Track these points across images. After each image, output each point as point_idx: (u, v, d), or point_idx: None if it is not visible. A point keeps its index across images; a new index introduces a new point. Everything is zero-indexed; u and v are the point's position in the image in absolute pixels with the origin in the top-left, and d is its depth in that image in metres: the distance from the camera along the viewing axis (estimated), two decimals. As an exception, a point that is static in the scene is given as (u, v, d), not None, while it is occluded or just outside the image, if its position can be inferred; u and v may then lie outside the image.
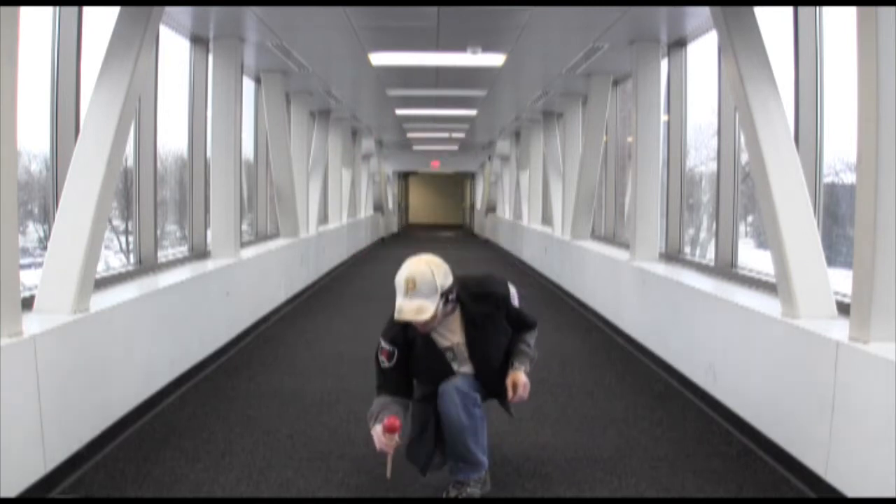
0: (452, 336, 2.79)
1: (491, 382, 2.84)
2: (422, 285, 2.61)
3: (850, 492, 2.74)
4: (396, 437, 2.65)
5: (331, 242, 10.86)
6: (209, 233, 5.91)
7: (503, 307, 2.84)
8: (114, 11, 3.66)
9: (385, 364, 2.77)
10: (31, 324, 2.98)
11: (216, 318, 5.28)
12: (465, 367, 2.83)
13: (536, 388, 4.46)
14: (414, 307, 2.61)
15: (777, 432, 3.33)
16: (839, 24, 3.75)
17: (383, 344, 2.78)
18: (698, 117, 5.99)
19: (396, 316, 2.64)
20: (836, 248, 4.15)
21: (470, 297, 2.78)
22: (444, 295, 2.66)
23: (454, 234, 23.86)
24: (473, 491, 2.85)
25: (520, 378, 2.82)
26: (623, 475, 3.15)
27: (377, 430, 2.66)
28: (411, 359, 2.78)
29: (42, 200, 4.32)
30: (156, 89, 4.97)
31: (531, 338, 2.96)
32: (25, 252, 4.10)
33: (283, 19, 5.38)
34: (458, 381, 2.79)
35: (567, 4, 4.80)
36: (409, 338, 2.76)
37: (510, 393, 2.81)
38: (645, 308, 5.50)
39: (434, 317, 2.64)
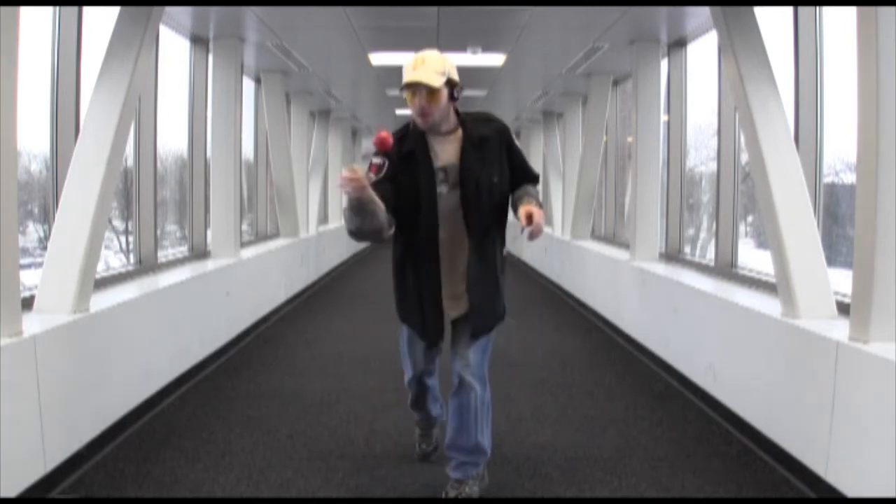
0: (447, 157, 2.64)
1: (475, 219, 2.64)
2: (430, 62, 2.54)
3: (850, 492, 2.74)
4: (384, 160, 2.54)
5: (331, 242, 10.86)
6: (209, 233, 5.91)
7: (504, 139, 2.71)
8: (114, 11, 3.66)
9: (371, 179, 2.51)
10: (31, 324, 2.98)
11: (216, 318, 5.28)
12: (451, 195, 2.64)
13: (536, 388, 4.49)
14: (423, 72, 2.51)
15: (777, 432, 3.33)
16: (839, 24, 3.75)
17: (374, 159, 2.58)
18: (698, 117, 5.99)
19: (406, 78, 2.52)
20: (836, 248, 4.15)
21: (472, 118, 2.69)
22: (451, 85, 2.56)
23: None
24: (472, 490, 2.84)
25: (534, 209, 2.57)
26: (623, 475, 3.15)
27: (350, 171, 2.36)
28: (399, 179, 2.58)
29: (42, 200, 4.32)
30: (156, 89, 4.97)
31: (532, 188, 2.79)
32: (25, 252, 4.10)
33: (283, 19, 5.38)
34: (462, 359, 2.73)
35: (567, 4, 4.80)
36: (403, 152, 2.61)
37: (523, 222, 2.56)
38: (645, 308, 5.50)
39: (439, 97, 2.53)
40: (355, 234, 2.51)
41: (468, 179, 2.61)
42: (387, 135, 2.45)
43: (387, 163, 2.55)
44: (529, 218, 2.54)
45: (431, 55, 2.58)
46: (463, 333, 2.76)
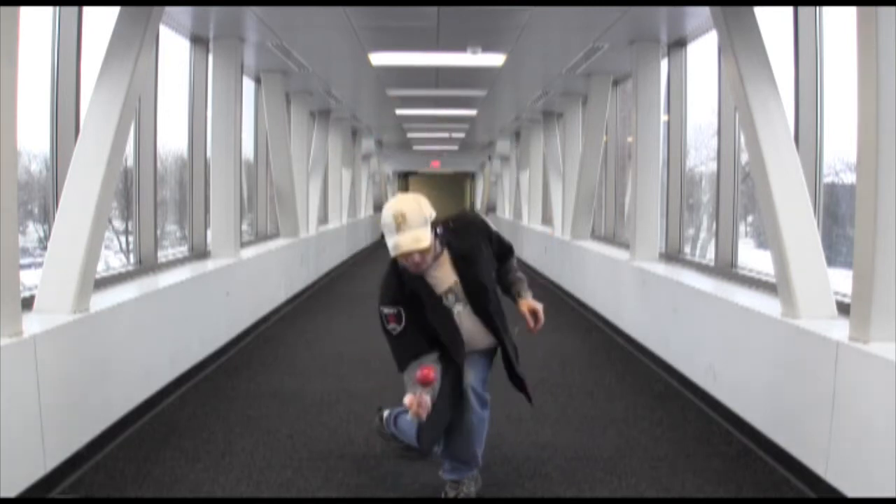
0: (446, 278, 2.72)
1: (487, 315, 2.76)
2: (411, 217, 2.56)
3: (850, 492, 2.74)
4: (432, 388, 2.60)
5: (331, 242, 10.86)
6: (209, 233, 5.91)
7: (486, 235, 2.84)
8: (114, 11, 3.66)
9: (396, 329, 2.67)
10: (31, 324, 2.98)
11: (216, 318, 5.28)
12: (466, 308, 2.75)
13: (536, 388, 4.47)
14: (410, 238, 2.55)
15: (777, 432, 3.33)
16: (839, 24, 3.75)
17: (385, 310, 2.68)
18: (698, 117, 5.99)
19: (393, 252, 2.58)
20: (836, 248, 4.15)
21: (452, 234, 2.75)
22: (433, 226, 2.63)
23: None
24: (470, 490, 2.88)
25: (534, 303, 2.83)
26: (623, 475, 3.15)
27: (412, 395, 2.56)
28: (415, 315, 2.69)
29: (42, 200, 4.32)
30: (156, 89, 4.97)
31: (513, 262, 2.98)
32: (25, 252, 4.10)
33: (283, 19, 5.38)
34: (471, 377, 2.79)
35: (567, 4, 4.80)
36: (406, 294, 2.68)
37: (530, 321, 2.81)
38: (645, 308, 5.50)
39: (431, 247, 2.59)
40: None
41: (471, 290, 2.74)
42: (429, 370, 2.59)
43: (401, 310, 2.67)
44: (534, 314, 2.82)
45: (408, 207, 2.58)
46: (480, 355, 2.86)
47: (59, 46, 3.87)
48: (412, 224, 2.55)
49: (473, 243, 2.77)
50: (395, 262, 2.67)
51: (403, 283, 2.67)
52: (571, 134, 9.03)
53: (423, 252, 2.58)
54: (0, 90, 2.57)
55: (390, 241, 2.58)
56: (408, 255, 2.58)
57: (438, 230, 2.69)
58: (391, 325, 2.67)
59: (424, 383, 2.57)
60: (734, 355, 3.88)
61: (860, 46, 2.71)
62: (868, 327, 2.72)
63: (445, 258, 2.72)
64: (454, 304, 2.73)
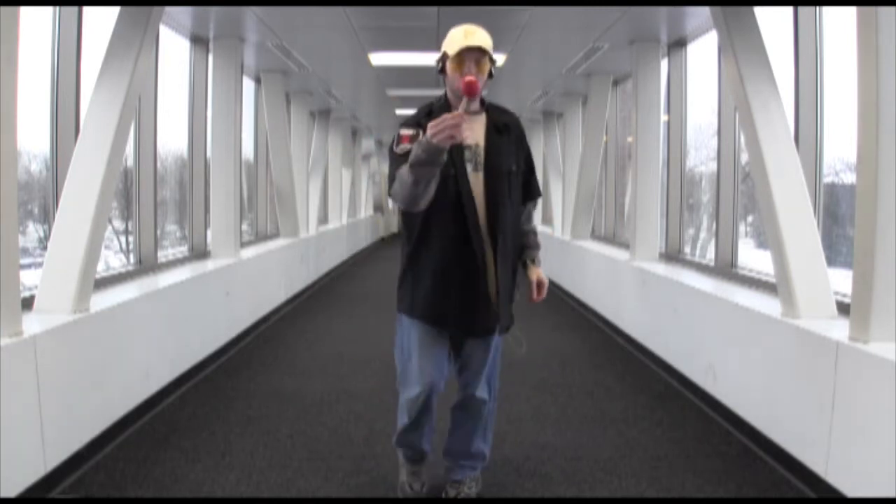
0: (474, 136, 2.52)
1: (499, 208, 2.52)
2: (481, 33, 2.47)
3: (850, 492, 2.74)
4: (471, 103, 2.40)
5: (331, 242, 10.86)
6: (209, 233, 5.91)
7: (520, 132, 2.67)
8: (114, 11, 3.66)
9: (406, 149, 2.37)
10: (31, 324, 2.98)
11: (216, 318, 5.28)
12: (475, 177, 2.52)
13: (536, 388, 4.49)
14: (479, 39, 2.43)
15: (777, 432, 3.33)
16: (839, 24, 3.75)
17: (403, 131, 2.44)
18: (698, 117, 5.99)
19: (464, 43, 2.41)
20: (836, 248, 4.15)
21: (494, 107, 2.64)
22: (491, 60, 2.48)
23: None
24: (471, 490, 2.86)
25: (544, 277, 2.69)
26: (623, 475, 3.15)
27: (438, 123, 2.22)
28: None
29: (42, 200, 4.32)
30: (156, 89, 4.97)
31: (533, 219, 2.80)
32: (25, 252, 4.10)
33: (283, 19, 5.38)
34: (469, 375, 2.69)
35: (567, 4, 4.80)
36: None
37: (534, 291, 2.66)
38: (645, 308, 5.50)
39: (486, 71, 2.46)
40: (409, 200, 2.37)
41: (491, 162, 2.53)
42: (474, 79, 2.34)
43: (420, 133, 2.33)
44: (539, 287, 2.67)
45: (479, 28, 2.49)
46: (482, 343, 2.67)
47: (59, 46, 3.87)
48: (481, 37, 2.45)
49: (510, 123, 2.62)
50: (430, 105, 2.55)
51: (432, 117, 2.35)
52: (571, 134, 9.02)
53: (481, 64, 2.43)
54: (0, 90, 2.57)
55: (453, 45, 2.44)
56: (470, 53, 2.41)
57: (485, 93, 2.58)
58: (402, 146, 2.40)
59: (471, 92, 2.34)
60: (734, 355, 3.88)
61: (860, 46, 2.71)
62: (868, 327, 2.72)
63: (481, 120, 2.56)
64: (468, 162, 2.53)
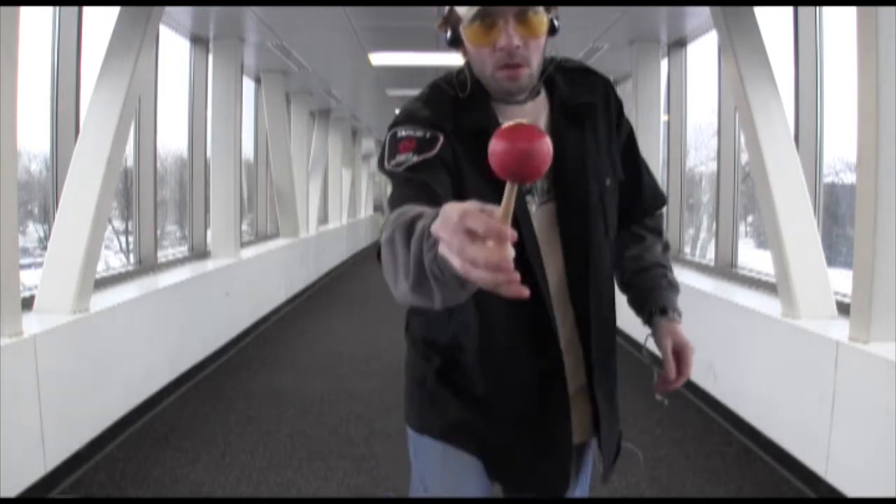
0: None
1: (579, 249, 1.32)
2: None
3: (850, 492, 2.74)
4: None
5: (331, 242, 10.85)
6: (209, 233, 5.91)
7: (613, 105, 1.39)
8: (114, 11, 3.66)
9: (410, 161, 1.20)
10: (31, 324, 2.98)
11: (216, 318, 5.28)
12: (541, 206, 1.30)
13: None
14: None
15: (777, 432, 3.33)
16: (839, 24, 3.75)
17: (403, 131, 1.24)
18: (698, 117, 5.99)
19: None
20: (836, 248, 4.15)
21: (563, 73, 1.37)
22: (554, 28, 1.28)
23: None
24: None
25: (683, 338, 1.51)
26: (623, 475, 3.15)
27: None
28: (462, 173, 1.23)
29: (42, 200, 4.32)
30: (156, 89, 4.97)
31: (653, 239, 1.51)
32: (25, 252, 4.10)
33: (283, 19, 5.37)
34: None
35: (567, 4, 4.79)
36: (467, 127, 1.25)
37: (671, 371, 1.50)
38: (645, 308, 5.49)
39: (540, 32, 1.24)
40: (405, 296, 0.94)
41: (573, 185, 1.31)
42: (531, 132, 0.77)
43: (440, 137, 1.22)
44: (679, 360, 1.50)
45: None
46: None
47: (59, 46, 3.86)
48: None
49: (591, 101, 1.36)
50: (459, 80, 1.30)
51: (465, 110, 1.27)
52: (571, 134, 9.02)
53: (526, 23, 1.21)
54: (0, 90, 2.57)
55: None
56: (496, 15, 1.20)
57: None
58: (400, 157, 1.20)
59: (519, 162, 0.73)
60: (734, 355, 3.88)
61: (860, 46, 2.71)
62: (868, 327, 2.72)
63: (538, 105, 1.33)
64: (537, 196, 1.30)
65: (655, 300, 1.48)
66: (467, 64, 1.30)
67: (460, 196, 1.15)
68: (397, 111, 1.32)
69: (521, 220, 1.23)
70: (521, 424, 1.33)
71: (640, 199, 1.47)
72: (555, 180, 1.30)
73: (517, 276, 0.70)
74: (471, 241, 0.69)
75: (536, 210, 1.29)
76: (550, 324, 1.30)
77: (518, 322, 1.29)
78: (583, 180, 1.31)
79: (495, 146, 0.73)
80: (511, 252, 0.70)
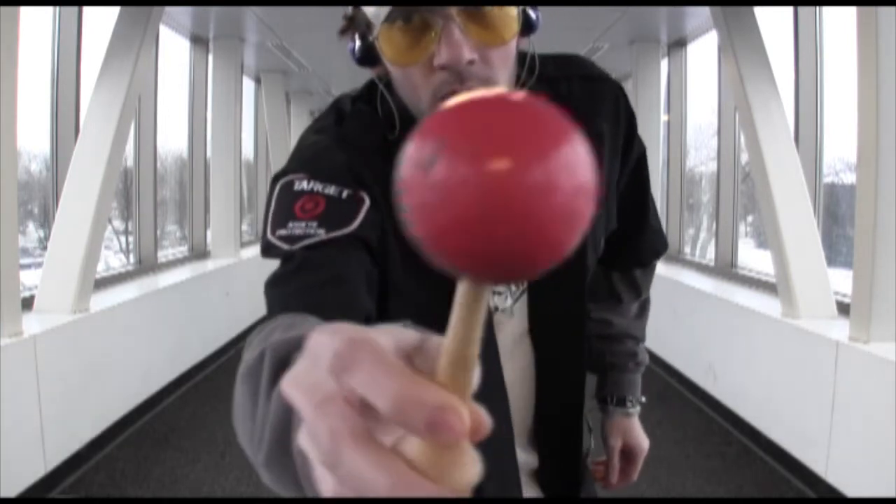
0: None
1: (555, 375, 0.91)
2: None
3: (850, 492, 2.74)
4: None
5: (331, 242, 10.84)
6: (209, 233, 5.91)
7: (625, 125, 0.96)
8: (114, 11, 3.66)
9: (314, 233, 0.72)
10: (31, 324, 2.97)
11: (216, 318, 5.28)
12: (505, 324, 0.87)
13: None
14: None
15: (777, 432, 3.33)
16: (839, 24, 3.75)
17: (305, 184, 0.76)
18: (698, 117, 5.99)
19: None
20: (836, 248, 4.15)
21: (554, 83, 0.91)
22: (525, 11, 0.78)
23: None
24: None
25: (636, 438, 1.19)
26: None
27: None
28: (391, 254, 0.78)
29: (42, 200, 4.32)
30: (156, 89, 4.97)
31: (641, 296, 1.18)
32: (25, 252, 4.10)
33: (283, 19, 5.37)
34: None
35: (567, 4, 4.80)
36: (375, 187, 0.77)
37: (614, 473, 1.16)
38: (645, 308, 5.49)
39: (510, 38, 0.76)
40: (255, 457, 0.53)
41: (551, 292, 0.88)
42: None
43: (366, 200, 0.77)
44: (630, 458, 1.18)
45: None
46: None
47: (59, 46, 3.86)
48: None
49: (601, 132, 0.91)
50: (370, 101, 0.86)
51: (390, 152, 0.54)
52: (571, 134, 9.02)
53: (495, 36, 0.74)
54: (0, 90, 2.57)
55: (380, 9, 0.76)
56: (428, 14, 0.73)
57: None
58: (297, 224, 0.73)
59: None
60: (734, 355, 3.88)
61: (860, 46, 2.71)
62: (868, 327, 2.72)
63: None
64: (501, 296, 0.88)
65: (613, 385, 1.15)
66: (388, 85, 0.84)
67: (384, 302, 0.76)
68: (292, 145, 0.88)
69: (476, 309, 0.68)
70: None
71: (637, 250, 1.07)
72: (531, 285, 0.87)
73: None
74: (358, 423, 0.30)
75: (500, 318, 0.86)
76: (497, 463, 0.86)
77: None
78: (580, 254, 0.86)
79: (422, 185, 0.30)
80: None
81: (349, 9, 0.82)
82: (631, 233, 1.03)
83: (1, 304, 2.65)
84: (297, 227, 0.73)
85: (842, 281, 3.39)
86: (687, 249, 5.99)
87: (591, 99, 0.91)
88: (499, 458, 0.86)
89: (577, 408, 0.95)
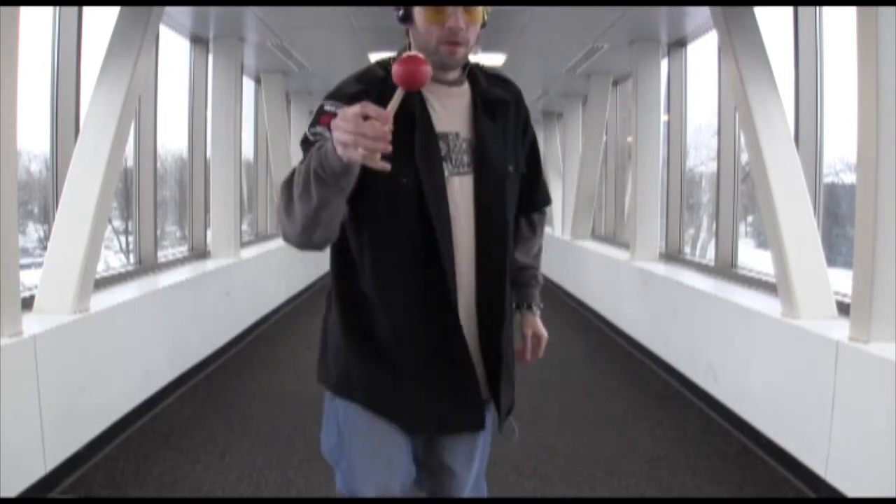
0: (454, 119, 1.54)
1: (489, 220, 1.53)
2: None
3: (850, 492, 2.74)
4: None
5: (331, 242, 10.84)
6: (209, 233, 5.91)
7: (522, 111, 1.65)
8: (114, 11, 3.66)
9: (326, 135, 1.32)
10: (31, 324, 2.98)
11: (216, 318, 5.28)
12: (460, 182, 1.52)
13: (536, 388, 4.48)
14: None
15: (777, 432, 3.33)
16: (839, 24, 3.75)
17: (330, 106, 1.42)
18: (698, 117, 5.99)
19: None
20: (836, 248, 4.15)
21: (484, 74, 1.63)
22: (484, 22, 1.55)
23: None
24: None
25: (543, 329, 1.74)
26: (623, 475, 3.15)
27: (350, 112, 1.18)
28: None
29: (42, 200, 4.32)
30: (156, 89, 4.97)
31: (534, 237, 1.76)
32: (25, 252, 4.10)
33: (283, 19, 5.38)
34: (475, 464, 1.76)
35: (567, 4, 4.80)
36: (383, 103, 1.23)
37: (527, 352, 1.72)
38: (645, 308, 5.50)
39: (478, 23, 1.52)
40: (294, 230, 1.36)
41: (486, 162, 1.53)
42: (420, 60, 1.22)
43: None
44: (536, 342, 1.73)
45: None
46: (459, 438, 1.66)
47: (59, 46, 3.86)
48: None
49: (506, 99, 1.61)
50: (386, 63, 1.54)
51: (386, 89, 1.32)
52: (571, 134, 9.03)
53: (470, 12, 1.48)
54: (0, 90, 2.57)
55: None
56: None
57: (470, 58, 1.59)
58: (318, 129, 1.41)
59: (411, 83, 1.21)
60: (734, 355, 3.88)
61: (860, 46, 2.71)
62: (868, 327, 2.72)
63: (462, 93, 1.56)
64: (452, 165, 1.51)
65: (525, 296, 1.74)
66: (406, 47, 1.54)
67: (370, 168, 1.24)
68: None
69: (433, 185, 1.48)
70: (424, 377, 1.54)
71: (536, 193, 1.72)
72: (476, 156, 1.54)
73: (389, 147, 1.16)
74: (363, 122, 1.15)
75: (450, 177, 1.51)
76: (450, 276, 1.49)
77: (423, 276, 1.49)
78: (501, 161, 1.57)
79: (397, 66, 1.20)
80: (390, 128, 1.16)
81: None
82: (532, 182, 1.68)
83: (1, 304, 2.65)
84: (319, 129, 1.40)
85: (842, 281, 3.40)
86: (687, 249, 6.00)
87: (503, 87, 1.64)
88: (452, 267, 1.49)
89: (501, 241, 1.56)
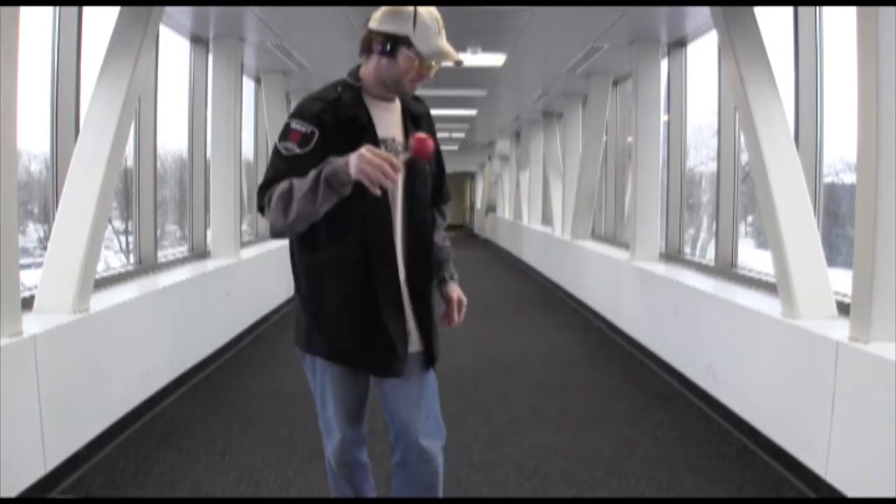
0: (388, 128, 2.00)
1: (416, 206, 2.01)
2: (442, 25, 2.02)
3: (850, 492, 2.74)
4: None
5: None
6: (209, 233, 5.91)
7: (432, 123, 2.14)
8: (114, 11, 3.66)
9: (293, 151, 1.85)
10: (31, 324, 2.98)
11: (216, 318, 5.28)
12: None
13: (536, 388, 4.48)
14: (451, 46, 1.99)
15: (777, 432, 3.33)
16: (839, 24, 3.75)
17: (296, 125, 1.87)
18: (698, 117, 5.99)
19: (436, 57, 1.95)
20: (836, 248, 4.15)
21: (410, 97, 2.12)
22: None
23: (454, 233, 23.82)
24: None
25: (462, 296, 2.13)
26: (623, 475, 3.15)
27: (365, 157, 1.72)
28: (332, 154, 1.82)
29: (42, 200, 4.32)
30: (156, 89, 4.97)
31: (443, 223, 2.23)
32: (25, 252, 4.10)
33: (283, 19, 5.38)
34: (424, 405, 2.05)
35: (567, 4, 4.80)
36: (340, 118, 1.89)
37: (454, 314, 2.10)
38: (645, 308, 5.50)
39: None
40: (289, 228, 1.86)
41: (415, 162, 1.95)
42: (426, 137, 1.84)
43: (316, 132, 1.86)
44: (459, 305, 2.11)
45: (437, 14, 2.05)
46: (409, 376, 2.02)
47: (59, 46, 3.87)
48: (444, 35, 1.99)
49: (424, 113, 2.12)
50: (342, 85, 1.99)
51: (341, 105, 1.91)
52: (571, 134, 9.03)
53: (433, 73, 1.99)
54: (0, 90, 2.57)
55: (430, 43, 1.94)
56: (435, 66, 1.99)
57: None
58: (289, 144, 1.86)
59: (423, 154, 1.84)
60: (734, 355, 3.88)
61: (860, 46, 2.71)
62: (868, 327, 2.72)
63: (395, 108, 2.04)
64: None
65: (446, 269, 2.16)
66: (356, 73, 2.03)
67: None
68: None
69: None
70: (371, 325, 1.96)
71: (442, 189, 2.18)
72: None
73: (394, 185, 1.79)
74: (387, 166, 1.69)
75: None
76: (388, 246, 1.95)
77: (367, 245, 1.92)
78: (419, 165, 2.00)
79: (413, 142, 1.82)
80: (400, 174, 1.76)
81: (388, 32, 2.07)
82: (439, 180, 2.15)
83: (1, 304, 2.65)
84: (289, 144, 1.86)
85: (842, 281, 3.40)
86: (687, 249, 6.00)
87: (419, 104, 2.11)
88: (391, 239, 1.96)
89: (423, 217, 2.04)
